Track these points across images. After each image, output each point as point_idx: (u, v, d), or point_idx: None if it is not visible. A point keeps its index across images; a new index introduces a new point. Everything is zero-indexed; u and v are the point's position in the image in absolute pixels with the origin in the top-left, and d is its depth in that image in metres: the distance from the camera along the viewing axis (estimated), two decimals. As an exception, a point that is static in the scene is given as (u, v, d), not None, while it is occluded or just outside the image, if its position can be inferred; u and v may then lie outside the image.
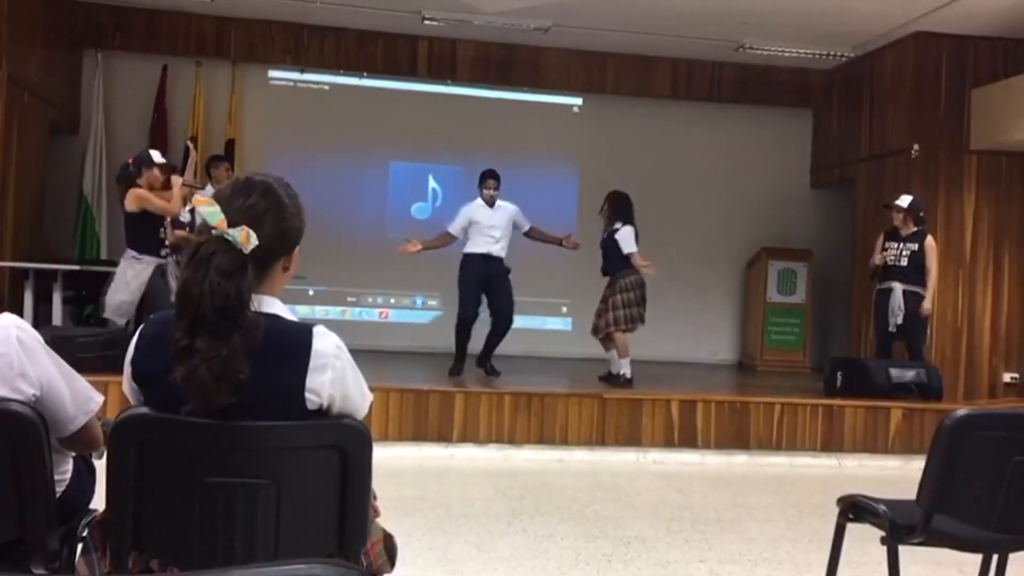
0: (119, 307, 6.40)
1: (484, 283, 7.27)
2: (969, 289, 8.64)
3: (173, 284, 6.44)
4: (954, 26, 8.37)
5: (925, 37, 8.61)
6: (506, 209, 7.37)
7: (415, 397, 6.26)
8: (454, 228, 7.38)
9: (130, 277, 6.34)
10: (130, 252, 6.42)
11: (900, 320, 7.21)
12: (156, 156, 6.56)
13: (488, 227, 7.25)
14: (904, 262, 7.23)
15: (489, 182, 7.34)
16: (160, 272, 6.37)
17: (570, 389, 6.92)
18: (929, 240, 7.27)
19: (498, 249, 7.27)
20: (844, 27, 8.62)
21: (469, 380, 7.04)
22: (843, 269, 9.85)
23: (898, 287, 7.22)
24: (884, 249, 7.33)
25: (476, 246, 7.28)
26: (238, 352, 1.63)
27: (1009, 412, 3.13)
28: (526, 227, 7.45)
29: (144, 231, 6.30)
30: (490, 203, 7.32)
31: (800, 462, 6.52)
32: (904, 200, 7.34)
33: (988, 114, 8.43)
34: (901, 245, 7.27)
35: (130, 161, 6.46)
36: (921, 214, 7.37)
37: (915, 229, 7.28)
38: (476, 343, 7.42)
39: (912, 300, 7.18)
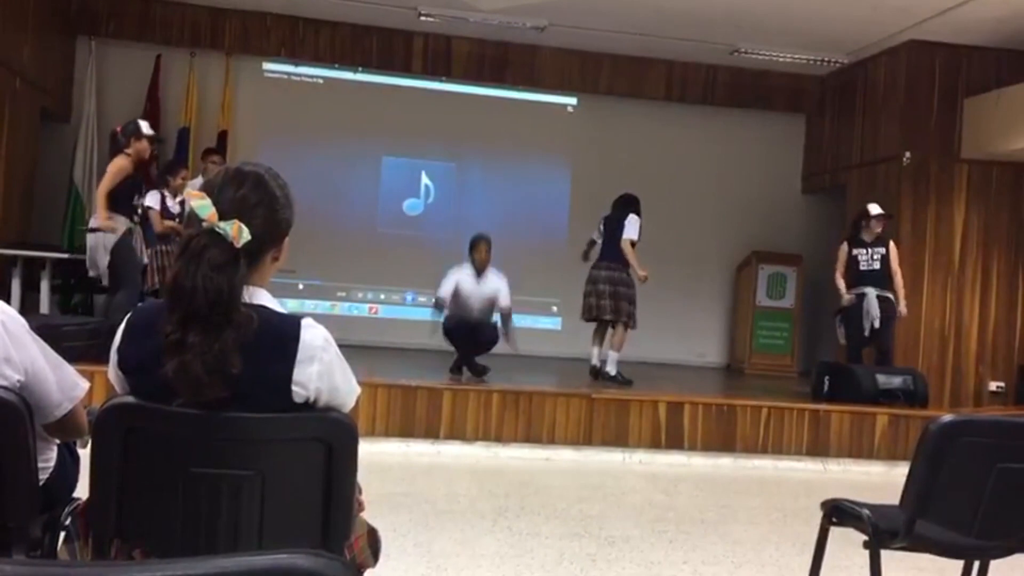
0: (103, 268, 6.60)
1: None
2: (957, 297, 8.67)
3: (140, 251, 6.72)
4: (948, 35, 8.41)
5: (919, 46, 8.64)
6: (491, 283, 6.95)
7: (403, 393, 6.25)
8: (443, 292, 6.97)
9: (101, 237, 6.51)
10: None
11: (877, 324, 7.28)
12: (145, 127, 6.65)
13: (467, 297, 6.91)
14: (877, 266, 7.35)
15: (480, 245, 6.91)
16: (129, 233, 6.54)
17: (558, 388, 6.92)
18: (892, 244, 7.47)
19: (479, 317, 6.94)
20: (838, 34, 8.64)
21: (458, 378, 7.03)
22: (832, 275, 9.84)
23: (872, 292, 7.30)
24: (852, 257, 7.41)
25: (457, 311, 6.95)
26: (231, 346, 1.62)
27: (993, 419, 3.15)
28: (503, 305, 6.95)
29: (116, 194, 6.44)
30: (479, 270, 6.93)
31: (785, 466, 6.53)
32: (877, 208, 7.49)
33: (980, 124, 8.47)
34: (871, 251, 7.38)
35: (118, 129, 6.59)
36: None
37: (878, 234, 7.44)
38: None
39: (885, 305, 7.25)
